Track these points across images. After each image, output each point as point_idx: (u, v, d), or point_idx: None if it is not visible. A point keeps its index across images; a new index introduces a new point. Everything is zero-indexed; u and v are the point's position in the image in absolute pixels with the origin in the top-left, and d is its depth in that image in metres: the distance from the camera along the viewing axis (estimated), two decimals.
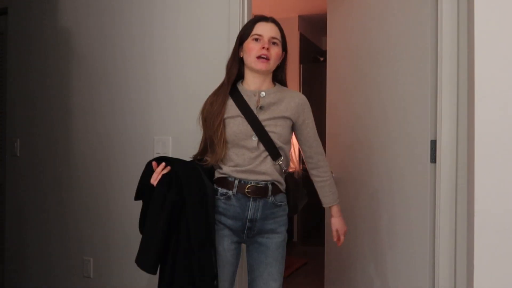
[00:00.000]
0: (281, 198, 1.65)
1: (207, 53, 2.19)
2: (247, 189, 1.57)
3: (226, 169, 1.60)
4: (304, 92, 4.79)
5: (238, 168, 1.59)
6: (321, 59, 5.04)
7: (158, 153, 2.26)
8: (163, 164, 1.58)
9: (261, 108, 1.59)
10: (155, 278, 1.60)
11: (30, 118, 2.76)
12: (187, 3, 2.26)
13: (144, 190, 1.61)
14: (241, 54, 1.63)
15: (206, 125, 1.63)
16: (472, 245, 1.43)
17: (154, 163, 1.59)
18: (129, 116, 2.40)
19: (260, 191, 1.58)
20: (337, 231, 1.75)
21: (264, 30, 1.60)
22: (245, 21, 2.11)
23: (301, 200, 1.74)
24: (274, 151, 1.58)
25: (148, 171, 1.60)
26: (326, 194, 1.73)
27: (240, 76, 1.67)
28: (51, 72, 2.67)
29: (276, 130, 1.58)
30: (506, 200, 1.38)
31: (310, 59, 5.01)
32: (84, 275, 2.55)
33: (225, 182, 1.61)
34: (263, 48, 1.57)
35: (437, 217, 1.74)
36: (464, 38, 1.67)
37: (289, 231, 4.65)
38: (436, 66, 1.75)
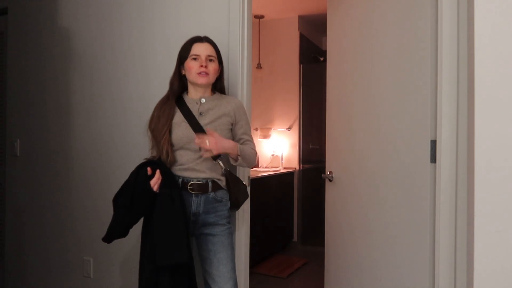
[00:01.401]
0: (222, 194, 1.83)
1: None
2: (190, 186, 1.78)
3: (173, 169, 1.81)
4: (304, 92, 4.80)
5: (181, 167, 1.80)
6: (321, 59, 5.04)
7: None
8: (158, 170, 1.74)
9: (201, 114, 1.82)
10: None
11: (30, 118, 2.76)
12: (187, 3, 2.26)
13: (135, 193, 1.71)
14: (183, 72, 1.86)
15: (154, 135, 1.84)
16: (472, 245, 1.43)
17: (149, 169, 1.74)
18: (129, 116, 2.40)
19: (201, 187, 1.79)
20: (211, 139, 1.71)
21: (201, 50, 1.82)
22: (245, 22, 2.11)
23: (242, 196, 1.90)
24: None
25: (142, 176, 1.73)
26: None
27: (183, 89, 1.91)
28: (51, 72, 2.67)
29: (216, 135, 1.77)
30: (506, 200, 1.38)
31: (310, 59, 5.01)
32: (84, 275, 2.55)
33: None
34: (201, 66, 1.80)
35: (437, 217, 1.74)
36: (464, 37, 1.67)
37: (289, 231, 4.68)
38: (436, 66, 1.75)
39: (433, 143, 1.77)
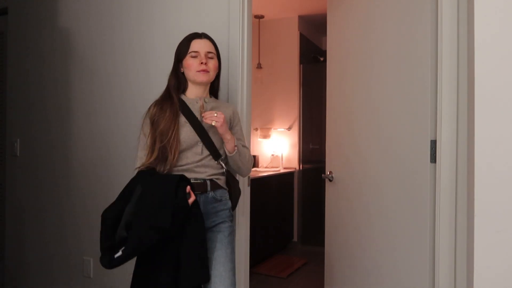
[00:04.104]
0: (221, 193, 1.76)
1: None
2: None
3: (171, 171, 1.71)
4: (304, 92, 4.81)
5: (180, 168, 1.71)
6: (321, 59, 5.04)
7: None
8: (189, 187, 1.61)
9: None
10: None
11: (30, 119, 2.76)
12: (187, 3, 2.26)
13: (175, 215, 1.51)
14: (182, 69, 1.78)
15: (158, 136, 1.69)
16: (472, 245, 1.43)
17: (189, 187, 1.59)
18: (129, 116, 2.40)
19: (199, 187, 1.71)
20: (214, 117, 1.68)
21: (200, 46, 1.75)
22: (245, 22, 2.11)
23: (238, 194, 1.88)
24: (215, 153, 1.74)
25: (181, 194, 1.55)
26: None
27: (180, 89, 1.81)
28: (51, 72, 2.67)
29: (217, 136, 1.73)
30: (506, 200, 1.38)
31: (310, 59, 5.01)
32: (84, 275, 2.55)
33: None
34: (201, 63, 1.72)
35: (437, 217, 1.74)
36: (464, 37, 1.67)
37: (289, 231, 4.68)
38: (436, 66, 1.75)
39: (433, 143, 1.77)
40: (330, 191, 2.51)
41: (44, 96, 2.70)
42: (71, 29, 2.60)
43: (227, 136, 1.72)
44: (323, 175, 2.50)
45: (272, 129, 4.84)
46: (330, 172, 2.45)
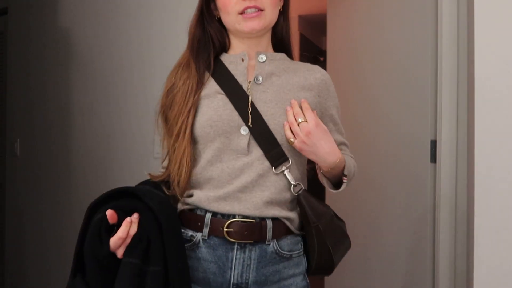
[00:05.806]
0: (291, 243, 0.98)
1: None
2: (227, 228, 0.91)
3: (195, 197, 0.95)
4: None
5: (211, 194, 0.93)
6: (321, 59, 5.04)
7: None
8: (129, 220, 0.88)
9: (256, 80, 0.98)
10: None
11: (30, 118, 2.76)
12: (187, 3, 2.25)
13: (86, 262, 0.94)
14: (216, 13, 1.06)
15: (168, 123, 1.01)
16: (472, 245, 1.43)
17: (112, 213, 0.90)
18: (128, 116, 2.40)
19: (253, 231, 0.91)
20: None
21: None
22: None
23: (343, 247, 1.04)
24: (276, 153, 0.94)
25: (95, 228, 0.92)
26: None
27: (216, 44, 1.06)
28: (51, 72, 2.67)
29: (282, 118, 0.95)
30: (506, 200, 1.38)
31: (310, 59, 5.01)
32: None
33: (188, 218, 0.96)
34: None
35: (437, 217, 1.74)
36: (464, 37, 1.67)
37: None
38: (436, 66, 1.75)
39: (433, 143, 1.77)
40: (330, 191, 2.50)
41: (44, 96, 2.70)
42: (71, 29, 2.60)
43: (327, 159, 0.98)
44: None
45: None
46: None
